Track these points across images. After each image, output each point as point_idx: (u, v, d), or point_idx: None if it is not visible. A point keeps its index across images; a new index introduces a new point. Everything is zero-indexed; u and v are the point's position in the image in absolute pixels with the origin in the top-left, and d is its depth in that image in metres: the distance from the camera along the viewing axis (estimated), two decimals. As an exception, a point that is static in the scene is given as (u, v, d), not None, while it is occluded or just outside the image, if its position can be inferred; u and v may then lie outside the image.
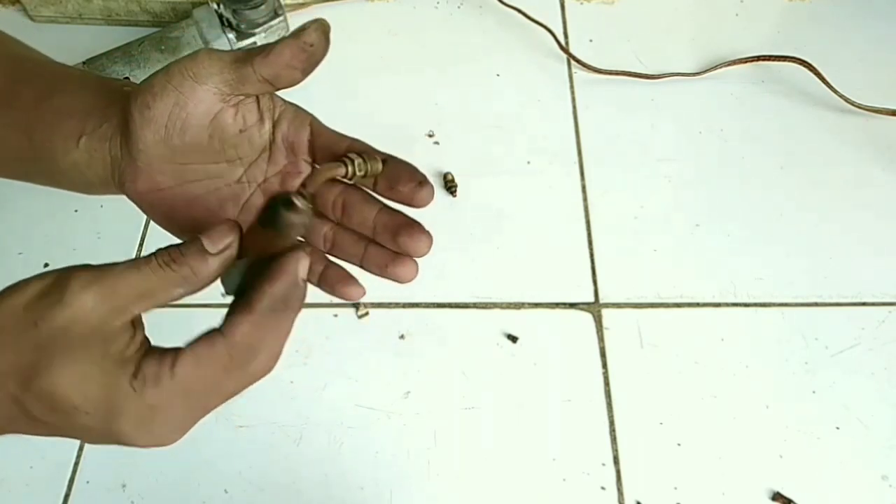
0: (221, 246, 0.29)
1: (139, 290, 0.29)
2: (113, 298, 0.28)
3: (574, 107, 0.72)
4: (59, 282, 0.29)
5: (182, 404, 0.29)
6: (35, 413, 0.28)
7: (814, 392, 0.56)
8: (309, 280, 0.31)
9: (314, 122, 0.38)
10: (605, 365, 0.57)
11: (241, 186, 0.36)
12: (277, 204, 0.31)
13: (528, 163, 0.68)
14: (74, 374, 0.27)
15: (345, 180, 0.35)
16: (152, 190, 0.35)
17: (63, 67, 0.41)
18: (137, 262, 0.29)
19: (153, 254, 0.29)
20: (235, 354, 0.29)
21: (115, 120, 0.35)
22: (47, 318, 0.27)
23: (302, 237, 0.31)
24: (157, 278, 0.29)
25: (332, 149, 0.37)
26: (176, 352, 0.29)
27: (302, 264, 0.29)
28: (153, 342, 0.31)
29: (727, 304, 0.60)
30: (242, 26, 0.68)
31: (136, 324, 0.30)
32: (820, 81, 0.70)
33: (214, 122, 0.34)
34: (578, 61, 0.74)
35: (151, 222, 0.63)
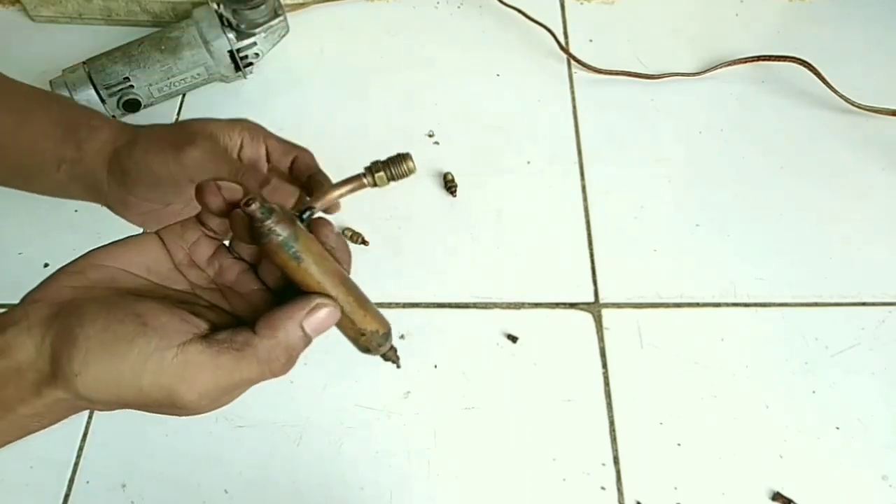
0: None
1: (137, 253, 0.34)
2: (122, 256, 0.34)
3: (574, 107, 0.72)
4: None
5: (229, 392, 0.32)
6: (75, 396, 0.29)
7: (814, 392, 0.56)
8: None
9: (267, 138, 0.44)
10: (605, 365, 0.57)
11: None
12: (247, 221, 0.31)
13: (528, 163, 0.68)
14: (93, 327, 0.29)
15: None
16: (141, 213, 0.44)
17: (32, 91, 0.46)
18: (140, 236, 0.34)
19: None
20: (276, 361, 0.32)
21: (97, 160, 0.42)
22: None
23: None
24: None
25: (281, 160, 0.44)
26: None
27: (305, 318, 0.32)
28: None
29: (727, 304, 0.60)
30: (242, 26, 0.68)
31: None
32: (820, 81, 0.70)
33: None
34: (578, 61, 0.74)
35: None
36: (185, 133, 0.42)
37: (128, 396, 0.29)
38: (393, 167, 0.38)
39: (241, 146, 0.43)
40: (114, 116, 0.70)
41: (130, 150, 0.42)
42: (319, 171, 0.44)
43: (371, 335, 0.36)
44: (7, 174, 0.45)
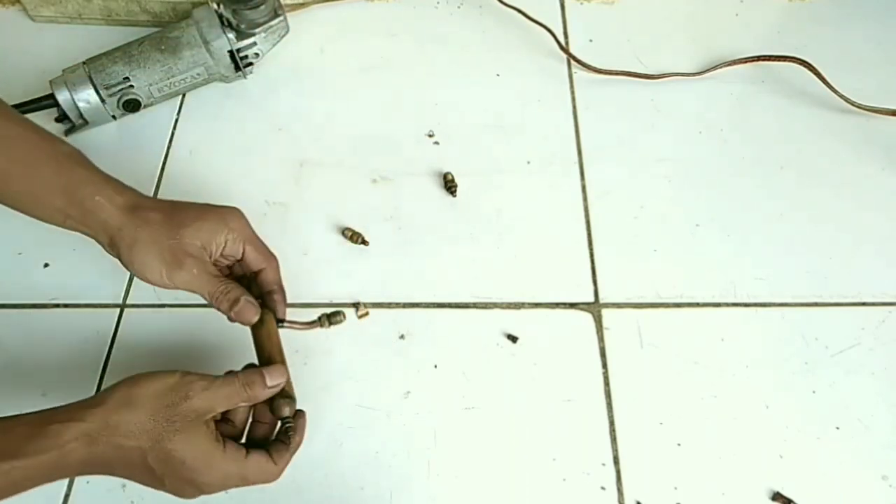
0: (274, 383, 0.48)
1: (227, 398, 0.46)
2: (214, 401, 0.45)
3: (574, 107, 0.72)
4: (185, 383, 0.45)
5: (236, 475, 0.46)
6: (152, 463, 0.43)
7: (814, 392, 0.56)
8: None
9: (247, 243, 0.53)
10: (605, 365, 0.57)
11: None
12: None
13: (528, 163, 0.68)
14: (188, 443, 0.43)
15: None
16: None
17: (39, 138, 0.52)
18: (227, 380, 0.46)
19: (238, 374, 0.47)
20: (274, 472, 0.48)
21: (99, 231, 0.51)
22: (179, 405, 0.44)
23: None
24: (237, 393, 0.46)
25: (251, 262, 0.54)
26: (246, 450, 0.47)
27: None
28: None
29: (727, 304, 0.60)
30: (242, 26, 0.68)
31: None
32: (820, 81, 0.71)
33: None
34: (578, 61, 0.74)
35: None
36: (179, 250, 0.50)
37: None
38: (332, 318, 0.56)
39: (225, 245, 0.52)
40: (114, 117, 0.70)
41: (130, 247, 0.50)
42: (278, 290, 0.54)
43: (292, 401, 0.49)
44: (14, 208, 0.52)
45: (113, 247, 0.51)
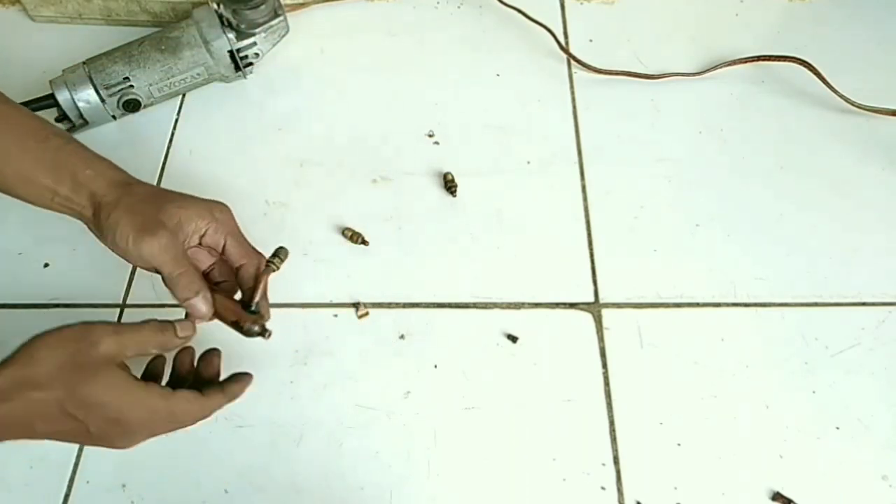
0: (185, 334, 0.48)
1: (137, 343, 0.46)
2: (123, 344, 0.45)
3: (574, 107, 0.72)
4: (89, 330, 0.44)
5: (163, 418, 0.46)
6: (70, 409, 0.42)
7: (814, 392, 0.56)
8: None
9: (228, 236, 0.52)
10: (605, 365, 0.57)
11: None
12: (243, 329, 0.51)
13: (528, 163, 0.68)
14: (103, 384, 0.43)
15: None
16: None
17: (26, 118, 0.52)
18: (137, 325, 0.46)
19: (150, 321, 0.47)
20: (204, 408, 0.48)
21: (86, 206, 0.50)
22: (87, 351, 0.43)
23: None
24: (148, 338, 0.47)
25: (232, 257, 0.53)
26: (174, 388, 0.46)
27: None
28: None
29: (727, 304, 0.60)
30: (242, 26, 0.68)
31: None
32: (820, 81, 0.71)
33: None
34: (578, 61, 0.74)
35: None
36: (154, 219, 0.48)
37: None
38: (281, 254, 0.52)
39: (205, 233, 0.51)
40: (114, 117, 0.70)
41: (108, 213, 0.49)
42: (258, 288, 0.52)
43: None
44: (1, 190, 0.51)
45: (95, 217, 0.49)
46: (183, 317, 0.50)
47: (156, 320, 0.47)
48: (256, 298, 0.51)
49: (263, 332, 0.50)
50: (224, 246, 0.52)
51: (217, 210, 0.52)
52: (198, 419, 0.47)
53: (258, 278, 0.51)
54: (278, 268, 0.51)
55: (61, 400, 0.42)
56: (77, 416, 0.42)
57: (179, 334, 0.48)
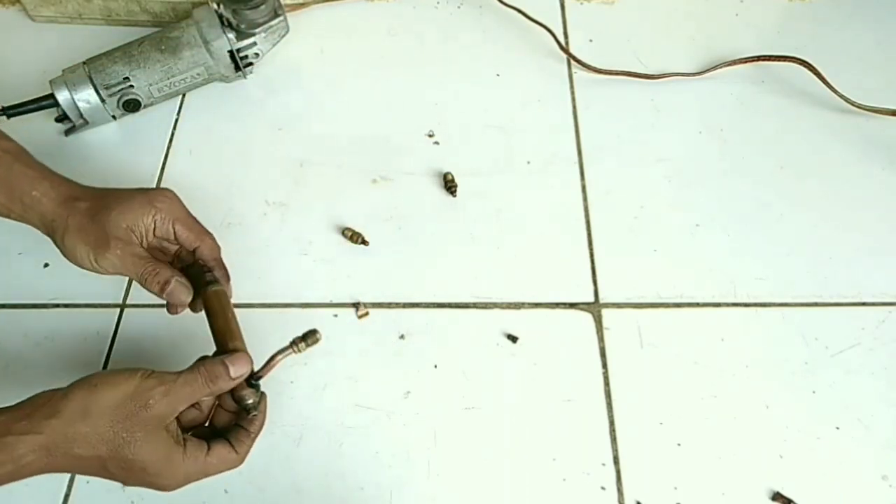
0: (240, 373, 0.47)
1: (189, 396, 0.45)
2: (176, 403, 0.45)
3: (574, 107, 0.72)
4: (144, 389, 0.43)
5: (197, 473, 0.46)
6: (112, 469, 0.43)
7: (814, 392, 0.56)
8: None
9: (176, 222, 0.53)
10: (605, 365, 0.57)
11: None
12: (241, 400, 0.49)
13: (528, 163, 0.68)
14: (147, 450, 0.43)
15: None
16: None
17: None
18: (189, 378, 0.45)
19: (200, 368, 0.46)
20: (236, 461, 0.48)
21: (39, 225, 0.52)
22: (139, 414, 0.43)
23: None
24: (200, 390, 0.45)
25: (186, 242, 0.54)
26: (207, 444, 0.46)
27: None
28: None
29: (727, 304, 0.60)
30: (242, 26, 0.68)
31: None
32: (820, 81, 0.70)
33: None
34: (578, 61, 0.74)
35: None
36: (104, 233, 0.50)
37: None
38: (309, 339, 0.50)
39: (155, 226, 0.52)
40: (114, 117, 0.70)
41: (62, 236, 0.51)
42: (217, 265, 0.55)
43: (256, 389, 0.49)
44: None
45: (51, 238, 0.52)
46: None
47: (204, 365, 0.46)
48: (265, 376, 0.49)
49: (254, 408, 0.48)
50: (175, 233, 0.53)
51: (158, 201, 0.53)
52: (228, 470, 0.47)
53: (274, 358, 0.49)
54: (300, 351, 0.49)
55: (104, 459, 0.43)
56: (116, 474, 0.44)
57: (233, 375, 0.46)
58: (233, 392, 0.48)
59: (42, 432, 0.41)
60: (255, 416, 0.48)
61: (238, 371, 0.47)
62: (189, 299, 0.52)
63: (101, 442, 0.42)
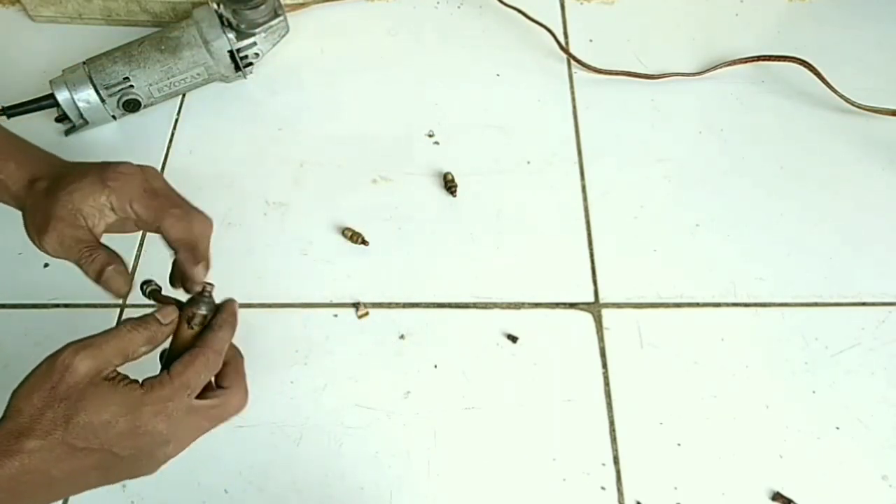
0: (170, 318, 0.44)
1: (119, 350, 0.41)
2: (102, 357, 0.40)
3: (574, 107, 0.72)
4: (58, 359, 0.40)
5: (182, 395, 0.41)
6: (80, 444, 0.39)
7: (814, 392, 0.56)
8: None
9: (133, 202, 0.48)
10: (605, 365, 0.57)
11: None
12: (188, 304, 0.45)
13: (528, 163, 0.68)
14: (96, 405, 0.39)
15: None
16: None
17: None
18: (113, 332, 0.41)
19: (124, 321, 0.43)
20: (215, 363, 0.44)
21: (12, 205, 0.50)
22: (63, 381, 0.39)
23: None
24: (130, 340, 0.42)
25: (150, 221, 0.48)
26: (164, 369, 0.42)
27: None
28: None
29: (727, 304, 0.60)
30: (242, 26, 0.68)
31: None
32: (820, 81, 0.70)
33: None
34: (578, 61, 0.74)
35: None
36: (47, 214, 0.47)
37: None
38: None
39: (111, 205, 0.47)
40: (114, 117, 0.70)
41: (23, 217, 0.49)
42: (182, 249, 0.47)
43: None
44: None
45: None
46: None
47: (130, 319, 0.43)
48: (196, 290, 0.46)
49: (203, 293, 0.45)
50: (134, 213, 0.48)
51: (111, 178, 0.47)
52: (211, 373, 0.43)
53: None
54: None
55: (62, 438, 0.38)
56: (91, 446, 0.39)
57: (164, 321, 0.43)
58: (188, 321, 0.44)
59: None
60: (216, 324, 0.44)
61: (167, 317, 0.43)
62: (126, 290, 0.48)
63: (43, 421, 0.38)
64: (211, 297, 0.45)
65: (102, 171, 0.47)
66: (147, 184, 0.48)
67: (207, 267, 0.48)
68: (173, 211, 0.47)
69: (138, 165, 0.49)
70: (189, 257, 0.47)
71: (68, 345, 0.40)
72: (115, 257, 0.48)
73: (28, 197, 0.49)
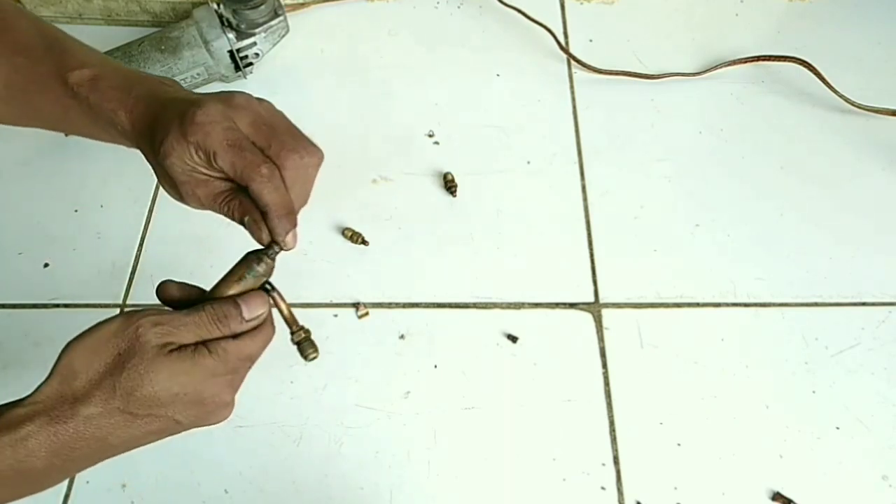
0: (255, 314, 0.41)
1: (191, 334, 0.39)
2: (172, 335, 0.38)
3: (574, 107, 0.72)
4: (129, 323, 0.39)
5: (246, 367, 0.41)
6: (142, 412, 0.37)
7: (814, 392, 0.56)
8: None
9: (216, 157, 0.41)
10: (605, 365, 0.57)
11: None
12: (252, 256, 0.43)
13: (528, 163, 0.68)
14: (164, 377, 0.37)
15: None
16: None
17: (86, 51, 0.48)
18: (192, 314, 0.39)
19: (206, 306, 0.40)
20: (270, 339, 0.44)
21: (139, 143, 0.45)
22: (133, 347, 0.38)
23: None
24: (205, 329, 0.39)
25: (236, 178, 0.42)
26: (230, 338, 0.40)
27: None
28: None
29: (727, 304, 0.60)
30: (242, 26, 0.68)
31: None
32: (820, 81, 0.70)
33: None
34: (578, 61, 0.74)
35: (150, 226, 0.64)
36: (169, 181, 0.43)
37: None
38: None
39: (208, 158, 0.42)
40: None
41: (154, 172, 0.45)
42: (272, 210, 0.43)
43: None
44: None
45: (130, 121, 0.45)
46: None
47: (211, 305, 0.40)
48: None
49: (270, 248, 0.43)
50: (220, 169, 0.41)
51: (191, 132, 0.40)
52: (262, 349, 0.42)
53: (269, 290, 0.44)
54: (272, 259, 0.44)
55: (123, 406, 0.37)
56: (154, 413, 0.38)
57: (247, 316, 0.40)
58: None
59: (36, 401, 0.36)
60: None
61: (252, 312, 0.40)
62: (267, 238, 0.43)
63: (103, 389, 0.36)
64: (275, 259, 0.43)
65: (182, 126, 0.40)
66: (230, 133, 0.41)
67: (294, 224, 0.44)
68: (262, 171, 0.41)
69: (225, 105, 0.43)
70: (283, 223, 0.43)
71: (143, 313, 0.38)
72: (248, 206, 0.43)
73: (146, 154, 0.45)
